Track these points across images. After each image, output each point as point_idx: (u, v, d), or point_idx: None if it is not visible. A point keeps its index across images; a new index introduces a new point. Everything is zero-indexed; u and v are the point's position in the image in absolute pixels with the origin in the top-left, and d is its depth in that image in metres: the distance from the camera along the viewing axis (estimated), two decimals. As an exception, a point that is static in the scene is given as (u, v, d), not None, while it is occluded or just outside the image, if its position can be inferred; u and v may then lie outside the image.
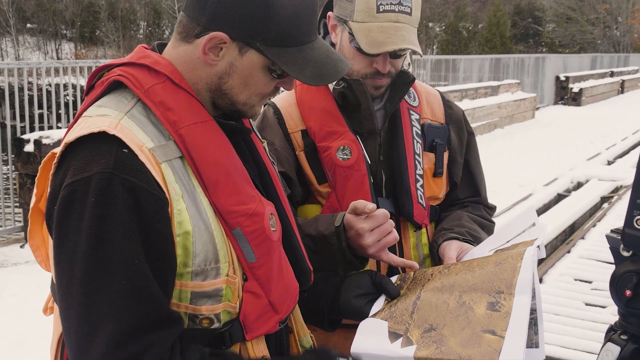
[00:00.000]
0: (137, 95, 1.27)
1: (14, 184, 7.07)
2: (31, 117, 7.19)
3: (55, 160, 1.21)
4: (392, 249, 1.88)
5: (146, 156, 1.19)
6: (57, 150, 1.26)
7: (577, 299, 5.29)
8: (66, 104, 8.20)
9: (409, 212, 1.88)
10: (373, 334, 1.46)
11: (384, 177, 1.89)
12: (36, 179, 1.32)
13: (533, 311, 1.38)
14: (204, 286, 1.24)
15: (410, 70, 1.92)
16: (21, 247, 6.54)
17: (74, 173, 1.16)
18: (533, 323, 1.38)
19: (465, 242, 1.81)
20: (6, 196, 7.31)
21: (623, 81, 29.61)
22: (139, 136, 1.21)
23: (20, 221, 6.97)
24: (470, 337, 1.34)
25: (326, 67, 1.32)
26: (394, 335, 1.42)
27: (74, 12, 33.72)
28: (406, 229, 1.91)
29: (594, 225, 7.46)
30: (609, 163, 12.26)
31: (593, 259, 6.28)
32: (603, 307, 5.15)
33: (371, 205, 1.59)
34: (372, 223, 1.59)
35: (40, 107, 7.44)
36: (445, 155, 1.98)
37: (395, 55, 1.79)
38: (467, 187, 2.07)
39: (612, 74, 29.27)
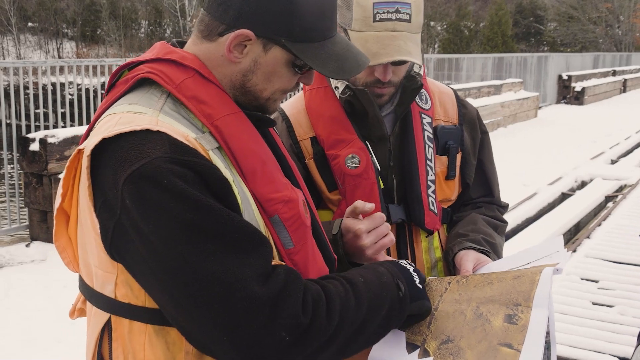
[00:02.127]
0: (166, 92, 1.27)
1: (19, 183, 7.05)
2: (34, 115, 7.17)
3: (88, 153, 1.19)
4: (404, 253, 1.87)
5: (194, 145, 1.20)
6: (83, 147, 1.25)
7: (584, 298, 5.27)
8: (70, 103, 8.19)
9: (420, 219, 1.86)
10: (390, 344, 1.44)
11: (395, 182, 1.87)
12: (61, 179, 1.31)
13: (547, 334, 1.36)
14: None
15: (421, 72, 1.88)
16: (27, 246, 6.53)
17: (130, 163, 1.15)
18: (546, 347, 1.37)
19: (481, 252, 1.78)
20: (12, 195, 7.31)
21: (625, 80, 29.58)
22: (180, 129, 1.22)
23: (25, 220, 6.96)
24: (487, 350, 1.33)
25: (348, 61, 1.33)
26: (411, 347, 1.41)
27: (75, 10, 33.71)
28: (418, 233, 1.89)
29: (600, 225, 7.44)
30: (613, 162, 12.23)
31: (599, 258, 6.26)
32: (610, 306, 5.13)
33: (370, 205, 1.58)
34: (369, 224, 1.57)
35: (42, 106, 7.42)
36: (458, 157, 1.96)
37: (397, 62, 1.76)
38: (480, 186, 2.04)
39: (614, 73, 29.22)
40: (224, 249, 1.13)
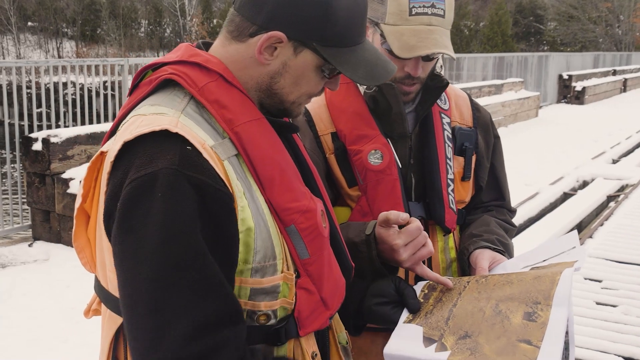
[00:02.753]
0: (189, 94, 1.27)
1: (22, 183, 7.05)
2: (33, 115, 7.16)
3: (112, 159, 1.20)
4: None
5: (209, 154, 1.19)
6: (106, 149, 1.26)
7: (587, 298, 5.28)
8: (67, 102, 8.19)
9: (441, 217, 1.86)
10: (408, 338, 1.45)
11: (414, 180, 1.87)
12: (82, 179, 1.31)
13: (566, 334, 1.36)
14: (263, 282, 1.24)
15: (442, 73, 1.90)
16: (29, 245, 6.54)
17: (137, 169, 1.15)
18: (564, 347, 1.37)
19: (496, 251, 1.79)
20: (14, 195, 7.31)
21: (625, 80, 29.60)
22: (199, 134, 1.21)
23: (28, 220, 6.97)
24: (505, 345, 1.34)
25: (377, 68, 1.33)
26: (428, 340, 1.42)
27: (75, 10, 33.71)
28: (434, 233, 1.90)
29: (602, 224, 7.45)
30: (614, 162, 12.24)
31: (602, 258, 6.27)
32: (614, 306, 5.13)
33: (404, 215, 1.56)
34: (406, 238, 1.55)
35: (44, 105, 7.43)
36: (473, 159, 1.97)
37: (428, 58, 1.77)
38: (492, 190, 2.05)
39: (614, 73, 29.24)
40: (179, 283, 1.12)
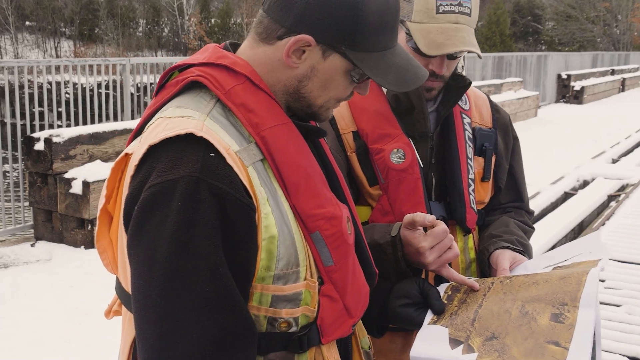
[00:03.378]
0: (215, 96, 1.25)
1: (24, 182, 7.04)
2: (31, 115, 7.15)
3: (136, 162, 1.18)
4: None
5: (233, 159, 1.17)
6: (131, 151, 1.25)
7: (591, 298, 5.28)
8: (66, 102, 8.18)
9: (462, 217, 1.85)
10: (433, 340, 1.44)
11: (435, 180, 1.87)
12: (106, 180, 1.30)
13: (593, 335, 1.35)
14: (285, 290, 1.22)
15: (464, 73, 1.89)
16: (31, 245, 6.52)
17: (158, 174, 1.13)
18: (592, 347, 1.35)
19: (516, 251, 1.78)
20: (16, 195, 7.30)
21: (624, 79, 29.63)
22: (224, 139, 1.19)
23: (29, 219, 6.95)
24: (533, 347, 1.32)
25: (408, 74, 1.30)
26: (454, 342, 1.40)
27: (73, 9, 33.65)
28: (454, 233, 1.89)
29: (603, 224, 7.45)
30: (614, 161, 12.26)
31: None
32: (618, 305, 5.14)
33: (431, 217, 1.55)
34: (432, 241, 1.54)
35: (46, 105, 7.42)
36: (493, 159, 1.96)
37: (452, 57, 1.77)
38: (510, 192, 2.05)
39: (613, 72, 29.27)
40: (190, 295, 1.10)
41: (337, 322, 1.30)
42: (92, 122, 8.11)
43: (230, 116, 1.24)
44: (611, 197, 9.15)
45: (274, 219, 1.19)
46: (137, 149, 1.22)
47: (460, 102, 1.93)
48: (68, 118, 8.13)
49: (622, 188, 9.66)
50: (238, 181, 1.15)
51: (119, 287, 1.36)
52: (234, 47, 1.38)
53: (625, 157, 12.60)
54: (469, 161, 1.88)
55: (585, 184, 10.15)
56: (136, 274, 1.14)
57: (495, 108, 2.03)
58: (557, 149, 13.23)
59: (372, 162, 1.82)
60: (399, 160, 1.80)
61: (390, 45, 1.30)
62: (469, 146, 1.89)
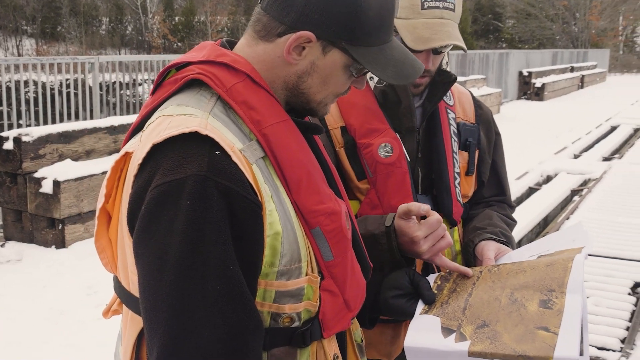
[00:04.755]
0: (215, 94, 1.25)
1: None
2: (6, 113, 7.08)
3: (140, 161, 1.17)
4: None
5: (238, 157, 1.17)
6: (131, 149, 1.24)
7: (558, 290, 5.40)
8: (27, 101, 8.09)
9: (449, 210, 1.91)
10: (426, 329, 1.47)
11: (421, 174, 1.92)
12: (105, 178, 1.29)
13: (580, 319, 1.39)
14: (288, 285, 1.23)
15: (448, 69, 1.95)
16: (1, 246, 6.45)
17: (164, 174, 1.13)
18: (580, 331, 1.38)
19: (500, 242, 1.84)
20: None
21: (583, 76, 30.19)
22: (228, 136, 1.19)
23: (-2, 220, 6.88)
24: (524, 333, 1.36)
25: (406, 67, 1.32)
26: (447, 331, 1.44)
27: (35, 7, 33.06)
28: None
29: (568, 218, 7.62)
30: (576, 157, 12.50)
31: (570, 251, 6.41)
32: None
33: (425, 207, 1.59)
34: (426, 230, 1.58)
35: (2, 104, 7.34)
36: (476, 154, 2.02)
37: (437, 52, 1.81)
38: (493, 186, 2.11)
39: (572, 69, 29.79)
40: (202, 294, 1.10)
41: (338, 316, 1.32)
42: (54, 121, 8.04)
43: (231, 114, 1.24)
44: (574, 192, 9.34)
45: (277, 215, 1.20)
46: (139, 147, 1.21)
47: (445, 98, 1.98)
48: (30, 117, 8.02)
49: (585, 183, 9.87)
50: (244, 179, 1.16)
51: (118, 287, 1.35)
52: (231, 45, 1.38)
53: (586, 152, 12.85)
54: (454, 155, 1.94)
55: (548, 179, 10.32)
56: (145, 273, 1.14)
57: (478, 104, 2.09)
58: (520, 145, 13.43)
59: (360, 156, 1.86)
60: (386, 154, 1.84)
61: (388, 39, 1.31)
62: (454, 141, 1.95)
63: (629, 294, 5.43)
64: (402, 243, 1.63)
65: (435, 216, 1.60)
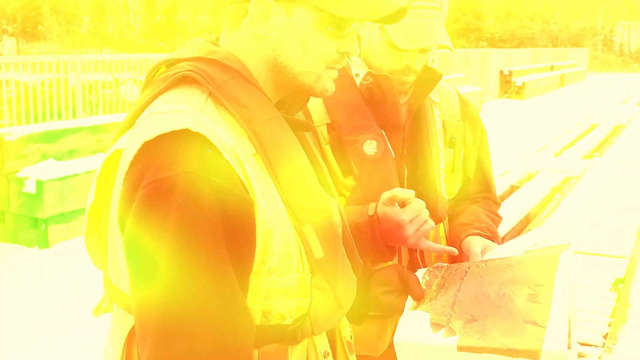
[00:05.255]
0: (206, 91, 1.24)
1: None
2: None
3: (131, 158, 1.17)
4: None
5: (230, 155, 1.16)
6: (122, 146, 1.24)
7: (540, 286, 5.46)
8: (9, 101, 8.04)
9: (434, 206, 1.90)
10: (415, 325, 1.49)
11: (407, 171, 1.93)
12: (95, 176, 1.28)
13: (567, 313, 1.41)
14: (279, 282, 1.22)
15: (435, 66, 1.98)
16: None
17: (156, 171, 1.11)
18: (568, 325, 1.39)
19: (486, 238, 1.86)
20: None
21: (563, 75, 30.46)
22: (219, 134, 1.17)
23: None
24: (512, 327, 1.38)
25: (379, 1, 1.25)
26: (436, 326, 1.45)
27: (15, 6, 32.79)
28: None
29: (549, 216, 7.69)
30: (557, 155, 12.61)
31: (551, 248, 6.47)
32: (566, 293, 5.33)
33: (410, 192, 1.61)
34: (411, 214, 1.61)
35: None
36: (461, 151, 2.03)
37: (423, 50, 1.82)
38: (479, 182, 2.11)
39: (552, 68, 30.04)
40: (195, 292, 1.10)
41: (329, 313, 1.32)
42: (36, 121, 8.00)
43: (221, 111, 1.23)
44: (555, 190, 9.44)
45: (269, 213, 1.19)
46: (130, 145, 1.19)
47: (430, 95, 1.98)
48: (12, 117, 7.97)
49: (566, 180, 9.97)
50: (236, 176, 1.15)
51: (109, 285, 1.34)
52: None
53: (567, 150, 12.97)
54: (440, 152, 1.94)
55: (530, 177, 10.42)
56: (136, 272, 1.14)
57: (463, 101, 2.10)
58: (501, 143, 13.53)
59: (345, 153, 1.86)
60: (372, 151, 1.84)
61: None
62: (440, 137, 1.96)
63: (610, 290, 5.50)
64: (386, 230, 1.64)
65: (419, 201, 1.62)
